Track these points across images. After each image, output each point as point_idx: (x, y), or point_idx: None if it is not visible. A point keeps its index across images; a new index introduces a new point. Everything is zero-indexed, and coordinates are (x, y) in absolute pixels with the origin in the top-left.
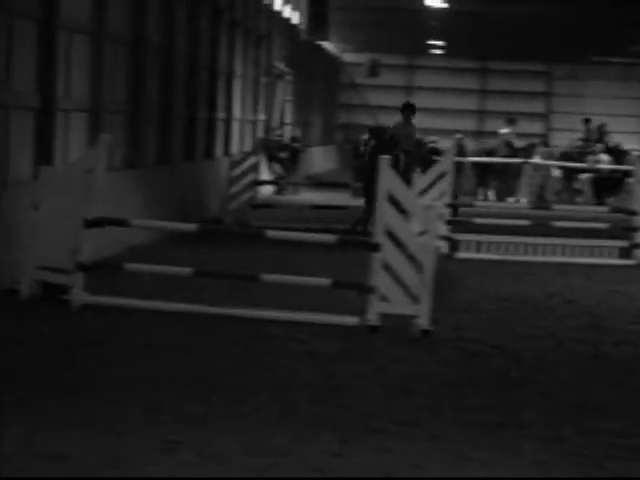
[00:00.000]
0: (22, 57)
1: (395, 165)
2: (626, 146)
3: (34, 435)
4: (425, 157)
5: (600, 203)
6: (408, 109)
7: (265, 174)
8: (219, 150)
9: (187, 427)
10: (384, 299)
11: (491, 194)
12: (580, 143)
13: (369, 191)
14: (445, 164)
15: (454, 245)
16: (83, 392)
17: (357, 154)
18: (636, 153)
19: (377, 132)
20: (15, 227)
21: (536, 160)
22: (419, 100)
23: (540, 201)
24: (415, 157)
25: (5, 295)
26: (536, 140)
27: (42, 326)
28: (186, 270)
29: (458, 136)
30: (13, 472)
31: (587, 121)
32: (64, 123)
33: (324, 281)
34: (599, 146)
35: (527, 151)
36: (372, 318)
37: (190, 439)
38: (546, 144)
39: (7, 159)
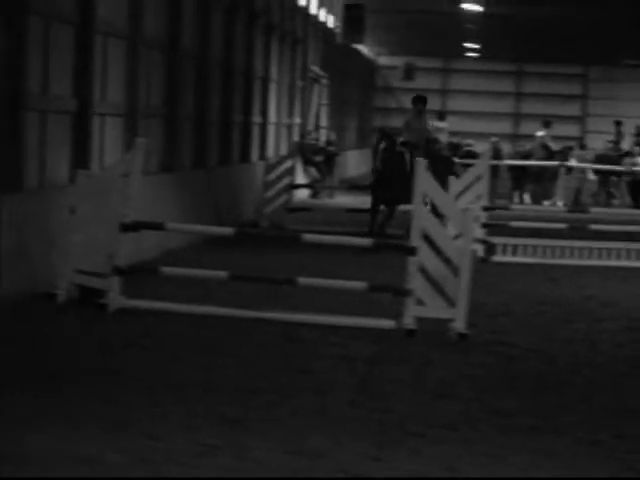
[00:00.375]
0: (59, 61)
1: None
2: None
3: (70, 438)
4: (434, 154)
5: (637, 206)
6: (419, 102)
7: (300, 178)
8: (255, 154)
9: (224, 431)
10: (420, 303)
11: (527, 197)
12: (610, 145)
13: (380, 194)
14: (481, 167)
15: (490, 248)
16: (119, 396)
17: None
18: None
19: (386, 134)
20: (52, 231)
21: (572, 163)
22: (454, 103)
23: (576, 204)
24: (420, 150)
25: (42, 299)
26: (572, 143)
27: (78, 330)
28: (222, 274)
29: (494, 139)
30: (47, 474)
31: (618, 124)
32: (100, 127)
33: (360, 284)
34: (636, 149)
35: (563, 154)
36: (409, 322)
37: (227, 443)
38: (583, 146)
39: (44, 163)
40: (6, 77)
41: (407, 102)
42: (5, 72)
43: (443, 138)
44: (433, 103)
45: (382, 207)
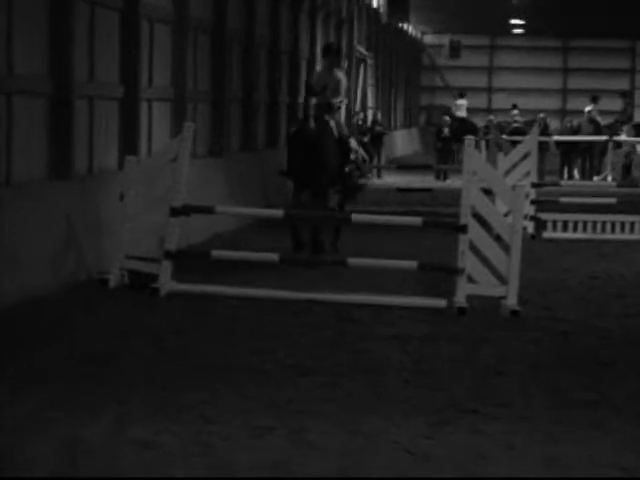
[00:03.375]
0: (105, 48)
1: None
2: None
3: (126, 423)
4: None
5: None
6: (330, 53)
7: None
8: None
9: (278, 413)
10: (472, 281)
11: (576, 173)
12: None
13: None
14: (529, 144)
15: (540, 225)
16: (172, 380)
17: (439, 136)
18: None
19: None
20: (103, 217)
21: (623, 137)
22: (501, 80)
23: (626, 178)
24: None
25: (94, 285)
26: (622, 117)
27: (130, 315)
28: (272, 256)
29: (541, 115)
30: (108, 461)
31: (624, 95)
32: (148, 112)
33: (410, 264)
34: None
35: (613, 128)
36: (460, 300)
37: (281, 424)
38: (630, 119)
39: (93, 150)
40: (53, 64)
41: (453, 80)
42: (52, 59)
43: (462, 114)
44: (479, 80)
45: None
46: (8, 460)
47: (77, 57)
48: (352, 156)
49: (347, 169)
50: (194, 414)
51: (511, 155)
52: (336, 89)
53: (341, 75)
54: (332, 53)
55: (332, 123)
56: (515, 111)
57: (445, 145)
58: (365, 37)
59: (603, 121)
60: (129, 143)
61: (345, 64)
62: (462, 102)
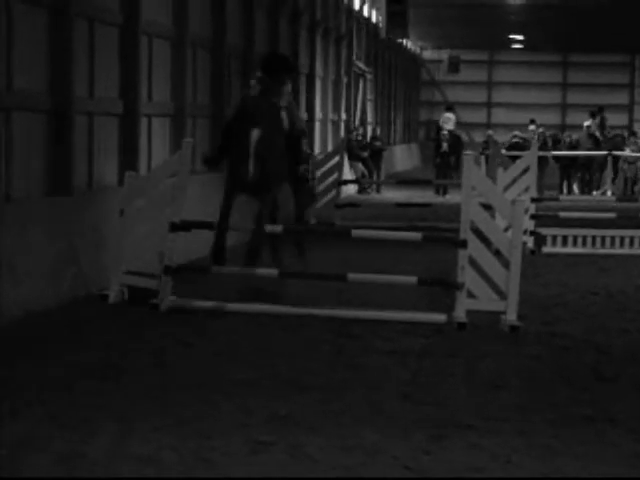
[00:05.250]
0: (104, 63)
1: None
2: None
3: (125, 438)
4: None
5: None
6: (276, 69)
7: (348, 174)
8: None
9: (277, 428)
10: (471, 296)
11: (576, 187)
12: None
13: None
14: (529, 158)
15: (540, 240)
16: (172, 395)
17: (438, 151)
18: None
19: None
20: (102, 233)
21: (621, 152)
22: (500, 95)
23: (626, 193)
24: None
25: (94, 300)
26: (625, 132)
27: (130, 330)
28: (272, 271)
29: (540, 130)
30: (107, 475)
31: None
32: (148, 128)
33: (410, 279)
34: None
35: (612, 142)
36: (460, 315)
37: (281, 439)
38: (634, 134)
39: (92, 165)
40: (53, 80)
41: (452, 95)
42: (52, 75)
43: (449, 129)
44: (479, 95)
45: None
46: (8, 475)
47: (76, 73)
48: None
49: (301, 169)
50: (194, 429)
51: (511, 170)
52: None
53: (289, 98)
54: (278, 69)
55: (283, 114)
56: (532, 126)
57: (444, 160)
58: (364, 52)
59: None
60: (129, 158)
61: (345, 79)
62: (449, 115)
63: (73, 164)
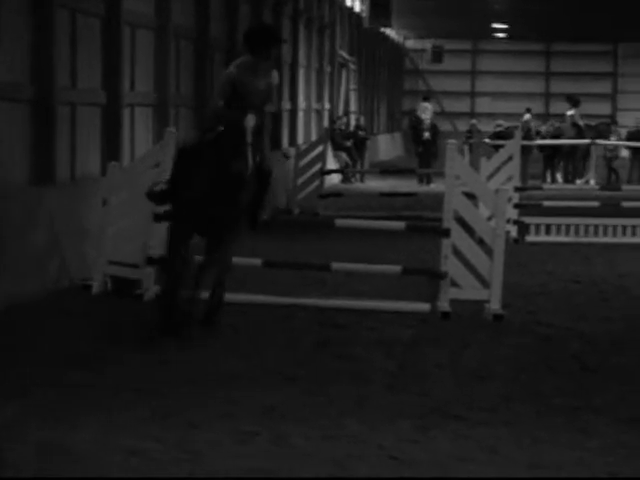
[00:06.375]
0: (87, 54)
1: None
2: None
3: (111, 429)
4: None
5: None
6: (260, 42)
7: (331, 163)
8: (285, 140)
9: (263, 418)
10: (455, 285)
11: (559, 176)
12: None
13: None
14: (512, 148)
15: (523, 229)
16: (156, 385)
17: (418, 140)
18: None
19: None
20: (85, 223)
21: (603, 141)
22: (484, 84)
23: (609, 182)
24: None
25: (77, 291)
26: (606, 120)
27: (114, 321)
28: (255, 261)
29: (524, 118)
30: (93, 467)
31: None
32: (130, 119)
33: (394, 268)
34: None
35: (595, 131)
36: (444, 304)
37: (266, 430)
38: (615, 123)
39: (75, 156)
40: (35, 71)
41: (435, 85)
42: (34, 66)
43: (427, 118)
44: (462, 84)
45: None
46: None
47: (59, 63)
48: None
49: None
50: (179, 420)
51: (494, 159)
52: (267, 91)
53: (275, 75)
54: (263, 41)
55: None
56: (527, 115)
57: (426, 149)
58: (347, 42)
59: (587, 124)
60: (111, 149)
61: (329, 69)
62: (427, 105)
63: (56, 154)
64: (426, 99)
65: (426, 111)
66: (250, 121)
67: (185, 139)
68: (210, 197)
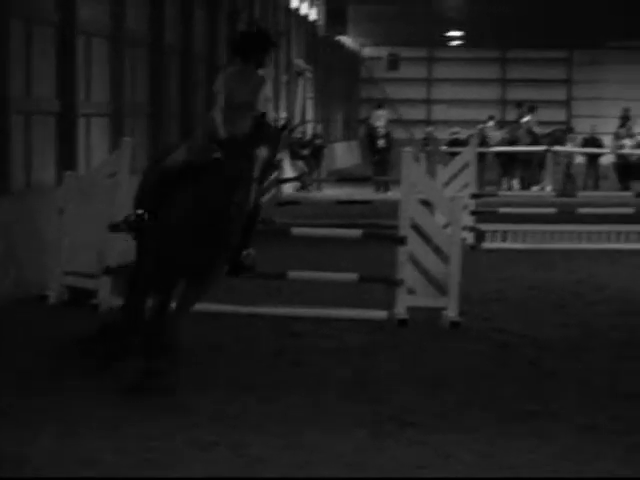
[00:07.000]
0: (41, 63)
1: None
2: None
3: (67, 440)
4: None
5: (625, 188)
6: (255, 46)
7: (288, 171)
8: None
9: (221, 428)
10: (412, 292)
11: (515, 183)
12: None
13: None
14: (468, 155)
15: (479, 236)
16: (112, 396)
17: (373, 148)
18: None
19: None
20: (42, 233)
21: (558, 147)
22: (440, 92)
23: (565, 189)
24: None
25: (34, 301)
26: (562, 127)
27: (70, 331)
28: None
29: (480, 126)
30: (48, 477)
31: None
32: (86, 128)
33: (351, 276)
34: (621, 131)
35: (551, 138)
36: (400, 312)
37: (225, 439)
38: (570, 130)
39: (31, 165)
40: None
41: (392, 93)
42: None
43: (381, 126)
44: (418, 92)
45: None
46: None
47: (13, 73)
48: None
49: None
50: (136, 430)
51: (450, 166)
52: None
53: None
54: (255, 47)
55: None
56: (490, 123)
57: (382, 157)
58: (303, 50)
59: (542, 130)
60: (67, 158)
61: (285, 77)
62: (381, 113)
63: (11, 164)
64: (380, 107)
65: (380, 119)
66: (263, 152)
67: (163, 157)
68: (201, 233)
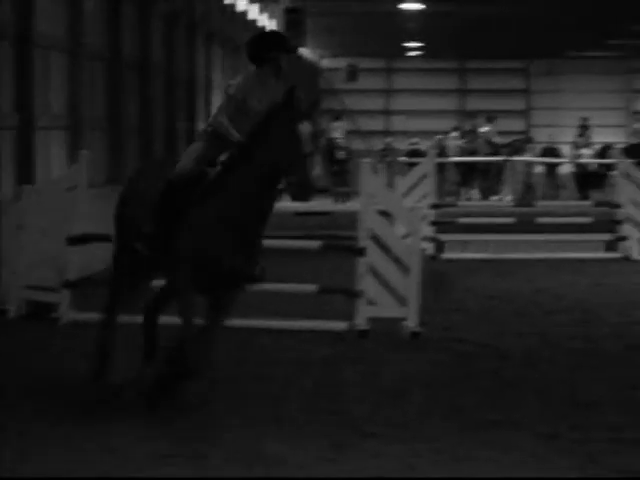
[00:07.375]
0: None
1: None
2: (609, 139)
3: (26, 456)
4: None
5: (584, 197)
6: (271, 49)
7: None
8: None
9: (181, 441)
10: (372, 303)
11: (475, 193)
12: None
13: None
14: (427, 165)
15: (439, 246)
16: (70, 411)
17: (332, 159)
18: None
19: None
20: (0, 247)
21: (517, 157)
22: (399, 102)
23: (524, 198)
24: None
25: None
26: (521, 137)
27: (30, 346)
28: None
29: (439, 137)
30: None
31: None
32: (44, 141)
33: (310, 287)
34: (579, 140)
35: (510, 148)
36: (361, 322)
37: (183, 452)
38: (530, 140)
39: None
40: None
41: (352, 104)
42: None
43: (339, 137)
44: (377, 103)
45: None
46: None
47: None
48: None
49: None
50: (95, 444)
51: (409, 177)
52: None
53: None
54: (279, 49)
55: None
56: (454, 133)
57: (341, 167)
58: None
59: (500, 140)
60: (25, 172)
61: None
62: (338, 124)
63: None
64: (337, 119)
65: (338, 130)
66: (306, 127)
67: (151, 171)
68: (247, 230)
